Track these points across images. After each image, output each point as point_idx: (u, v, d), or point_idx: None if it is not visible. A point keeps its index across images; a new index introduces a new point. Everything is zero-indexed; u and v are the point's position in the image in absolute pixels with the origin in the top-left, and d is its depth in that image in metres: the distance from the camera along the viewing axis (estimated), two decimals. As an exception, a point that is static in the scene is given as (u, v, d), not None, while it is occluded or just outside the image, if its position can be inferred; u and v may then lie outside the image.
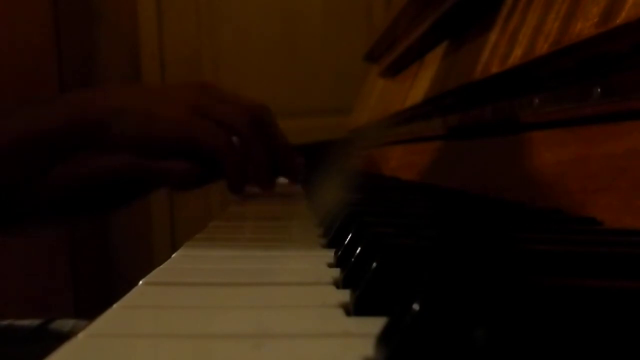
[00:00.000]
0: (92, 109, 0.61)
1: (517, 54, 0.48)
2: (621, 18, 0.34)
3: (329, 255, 0.32)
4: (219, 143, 0.61)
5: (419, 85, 0.85)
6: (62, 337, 0.18)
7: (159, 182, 0.67)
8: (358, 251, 0.26)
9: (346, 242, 0.31)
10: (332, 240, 0.36)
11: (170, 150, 0.61)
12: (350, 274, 0.25)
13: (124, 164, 0.61)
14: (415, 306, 0.15)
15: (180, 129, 0.61)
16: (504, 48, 0.52)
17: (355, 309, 0.21)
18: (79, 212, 0.69)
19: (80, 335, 0.19)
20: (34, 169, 0.60)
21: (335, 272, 0.28)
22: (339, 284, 0.26)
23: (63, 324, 0.73)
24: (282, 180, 0.73)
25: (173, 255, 0.33)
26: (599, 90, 0.37)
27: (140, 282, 0.26)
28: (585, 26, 0.38)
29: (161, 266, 0.30)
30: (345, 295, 0.23)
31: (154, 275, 0.28)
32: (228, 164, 0.62)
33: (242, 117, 0.63)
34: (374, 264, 0.22)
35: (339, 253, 0.31)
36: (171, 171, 0.62)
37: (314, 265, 0.30)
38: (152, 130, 0.61)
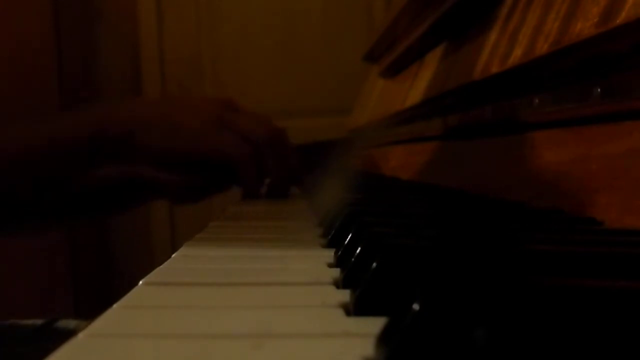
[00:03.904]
0: (116, 121, 0.63)
1: (517, 54, 0.48)
2: (621, 18, 0.34)
3: (329, 255, 0.32)
4: (237, 152, 0.63)
5: (419, 85, 0.85)
6: (66, 337, 0.18)
7: (154, 192, 0.69)
8: (358, 251, 0.26)
9: (346, 242, 0.31)
10: (332, 240, 0.36)
11: (191, 161, 0.64)
12: (350, 274, 0.25)
13: (121, 172, 0.62)
14: (415, 306, 0.15)
15: (201, 141, 0.63)
16: (504, 48, 0.52)
17: (355, 309, 0.21)
18: (75, 215, 0.70)
19: (80, 335, 0.19)
20: (58, 174, 0.63)
21: (335, 272, 0.28)
22: (339, 284, 0.26)
23: (66, 323, 0.73)
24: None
25: (173, 255, 0.33)
26: (599, 90, 0.37)
27: (140, 282, 0.26)
28: (585, 26, 0.38)
29: (161, 266, 0.30)
30: (345, 295, 0.23)
31: (154, 275, 0.28)
32: (246, 171, 0.64)
33: (261, 130, 0.66)
34: (374, 264, 0.22)
35: (339, 253, 0.31)
36: (166, 182, 0.64)
37: (314, 265, 0.30)
38: (175, 142, 0.62)
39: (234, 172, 0.65)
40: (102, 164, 0.63)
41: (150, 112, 0.64)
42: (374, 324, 0.18)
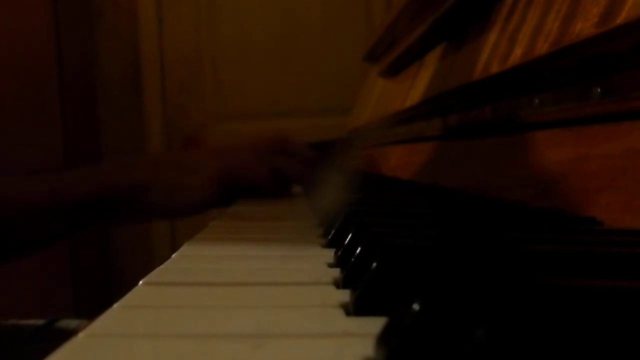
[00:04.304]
0: (124, 182, 0.68)
1: (517, 54, 0.48)
2: (621, 18, 0.34)
3: (329, 255, 0.32)
4: (259, 179, 0.69)
5: (419, 85, 0.85)
6: (66, 337, 0.18)
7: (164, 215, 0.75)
8: (358, 251, 0.26)
9: (346, 242, 0.31)
10: (332, 240, 0.36)
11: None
12: (350, 274, 0.25)
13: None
14: (415, 306, 0.15)
15: (203, 195, 0.68)
16: (504, 48, 0.52)
17: (355, 309, 0.21)
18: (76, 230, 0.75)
19: (81, 335, 0.19)
20: (70, 226, 0.69)
21: (335, 272, 0.28)
22: (339, 284, 0.26)
23: (66, 323, 0.74)
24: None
25: (173, 255, 0.33)
26: (599, 90, 0.37)
27: (140, 282, 0.26)
28: (585, 26, 0.38)
29: (161, 266, 0.30)
30: (345, 295, 0.23)
31: (154, 275, 0.28)
32: (268, 189, 0.70)
33: (265, 143, 0.72)
34: (374, 264, 0.22)
35: (339, 253, 0.31)
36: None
37: (314, 265, 0.30)
38: (178, 200, 0.68)
39: (251, 188, 0.69)
40: (109, 216, 0.69)
41: (154, 173, 0.69)
42: (374, 324, 0.18)
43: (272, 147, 0.71)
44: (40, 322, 0.74)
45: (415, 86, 0.87)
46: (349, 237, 0.31)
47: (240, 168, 0.68)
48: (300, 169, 0.71)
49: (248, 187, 0.69)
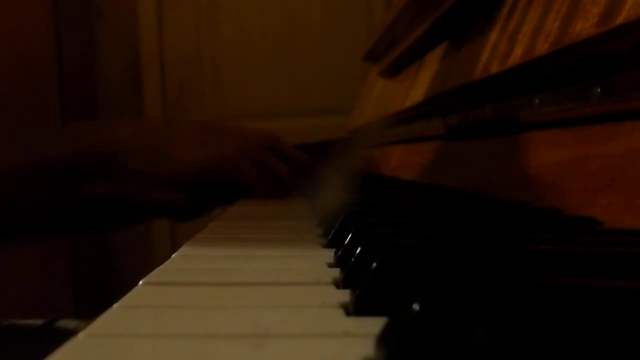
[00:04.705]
0: (100, 141, 0.63)
1: (517, 54, 0.48)
2: (621, 18, 0.34)
3: (329, 255, 0.32)
4: (240, 171, 0.65)
5: (419, 85, 0.85)
6: (66, 337, 0.18)
7: (157, 212, 0.70)
8: (358, 251, 0.26)
9: (346, 242, 0.31)
10: (332, 240, 0.36)
11: (185, 181, 0.64)
12: (350, 274, 0.25)
13: (111, 191, 0.62)
14: (416, 306, 0.15)
15: (189, 167, 0.63)
16: (504, 48, 0.52)
17: (355, 309, 0.21)
18: (73, 230, 0.71)
19: (80, 335, 0.19)
20: (43, 193, 0.63)
21: (335, 272, 0.28)
22: (339, 284, 0.26)
23: (66, 323, 0.73)
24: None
25: (173, 255, 0.33)
26: (599, 90, 0.37)
27: (140, 282, 0.26)
28: (585, 26, 0.38)
29: (161, 266, 0.30)
30: (345, 295, 0.23)
31: (154, 275, 0.28)
32: (256, 186, 0.66)
33: (256, 137, 0.68)
34: (374, 264, 0.22)
35: (339, 253, 0.31)
36: (168, 203, 0.64)
37: (314, 265, 0.30)
38: (161, 166, 0.62)
39: (239, 187, 0.66)
40: (88, 182, 0.63)
41: (134, 135, 0.64)
42: (374, 324, 0.18)
43: (263, 144, 0.67)
44: (40, 322, 0.73)
45: (415, 86, 0.87)
46: (349, 237, 0.31)
47: (225, 165, 0.64)
48: (290, 171, 0.69)
49: (237, 185, 0.66)
